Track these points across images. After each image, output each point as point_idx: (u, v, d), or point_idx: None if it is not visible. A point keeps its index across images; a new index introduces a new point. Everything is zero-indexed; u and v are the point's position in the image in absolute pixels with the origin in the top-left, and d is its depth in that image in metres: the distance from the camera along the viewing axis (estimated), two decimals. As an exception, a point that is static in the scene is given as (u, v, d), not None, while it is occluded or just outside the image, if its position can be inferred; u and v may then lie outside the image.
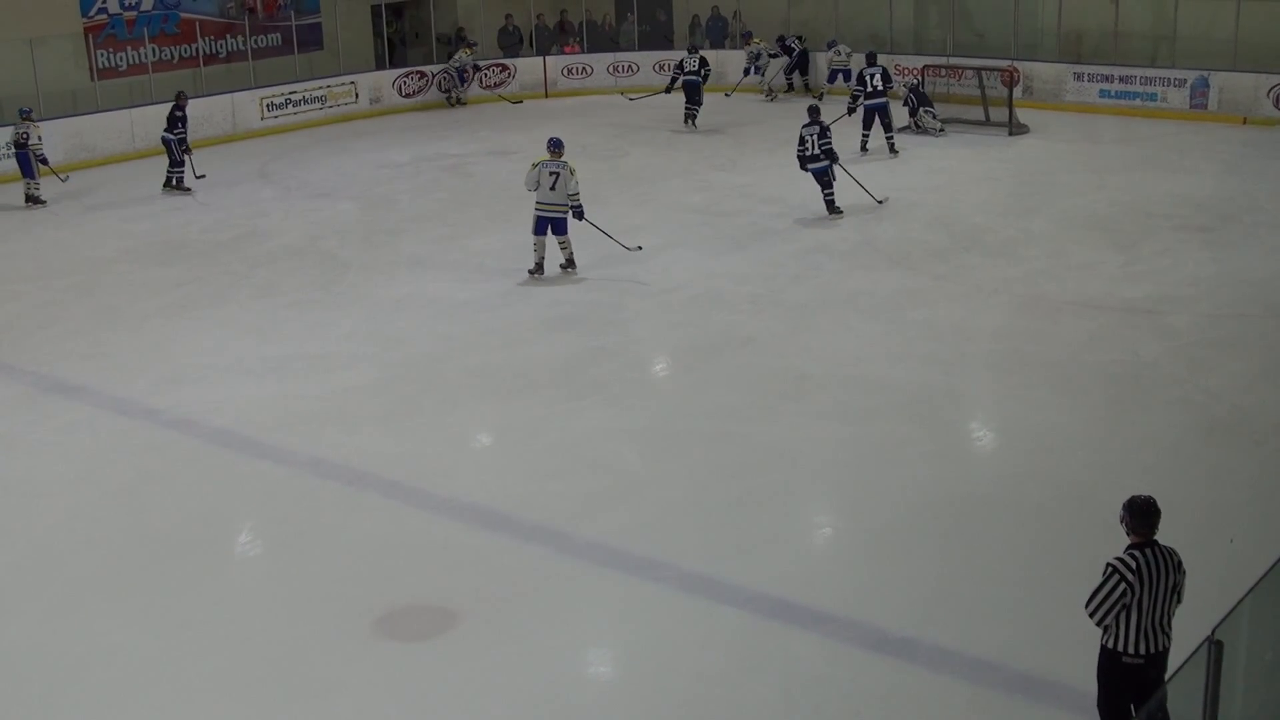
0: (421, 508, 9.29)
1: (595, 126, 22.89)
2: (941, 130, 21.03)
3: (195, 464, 10.09)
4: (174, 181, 18.81)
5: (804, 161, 16.41)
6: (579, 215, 13.93)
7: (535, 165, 13.86)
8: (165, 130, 18.78)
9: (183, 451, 10.32)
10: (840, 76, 24.05)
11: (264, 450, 10.24)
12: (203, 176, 19.04)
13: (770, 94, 25.20)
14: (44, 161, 18.30)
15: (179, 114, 18.70)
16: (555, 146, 13.96)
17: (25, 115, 18.31)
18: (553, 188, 13.74)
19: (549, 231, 13.99)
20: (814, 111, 16.68)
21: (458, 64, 25.60)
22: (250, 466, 10.02)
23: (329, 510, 9.31)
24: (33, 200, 18.17)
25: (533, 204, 13.96)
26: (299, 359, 12.17)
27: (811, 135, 16.27)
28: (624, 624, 7.86)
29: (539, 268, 14.09)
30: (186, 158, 18.80)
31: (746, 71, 25.32)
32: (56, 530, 9.12)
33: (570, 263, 14.19)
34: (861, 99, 19.65)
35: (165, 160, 18.89)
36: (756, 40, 25.42)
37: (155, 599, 8.18)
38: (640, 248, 14.70)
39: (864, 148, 19.64)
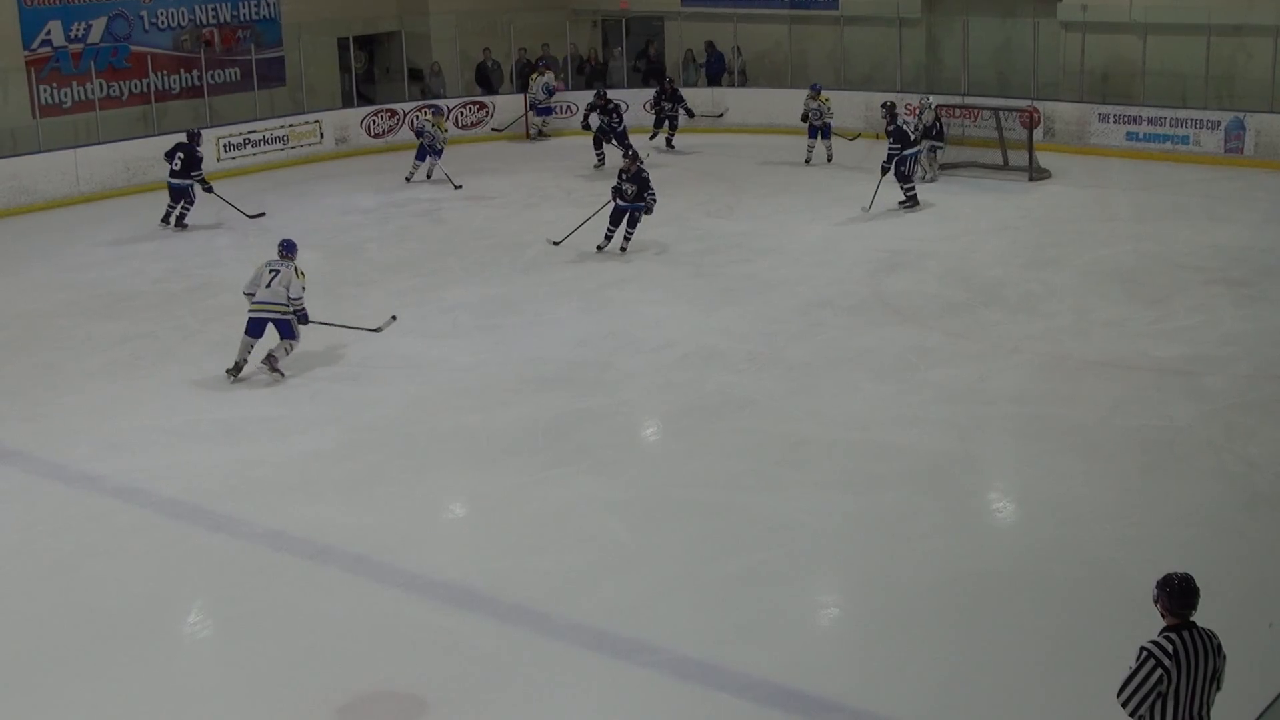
0: (389, 585, 9.26)
1: (579, 170, 23.03)
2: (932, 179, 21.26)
3: (141, 536, 10.05)
4: (183, 220, 19.38)
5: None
6: (303, 319, 13.21)
7: (259, 266, 13.32)
8: (194, 170, 19.12)
9: (127, 523, 10.28)
10: (820, 133, 23.18)
11: (217, 521, 10.21)
12: (261, 214, 19.80)
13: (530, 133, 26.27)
14: None
15: (199, 154, 19.33)
16: (286, 250, 13.32)
17: None
18: (269, 285, 13.02)
19: (263, 334, 13.18)
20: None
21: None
22: (202, 539, 9.99)
23: (288, 588, 9.27)
24: None
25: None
26: (256, 422, 12.17)
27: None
28: (611, 713, 7.82)
29: (237, 368, 13.13)
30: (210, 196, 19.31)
31: (531, 106, 26.23)
32: (-13, 609, 9.08)
33: (273, 363, 13.12)
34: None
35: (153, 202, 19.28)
36: (543, 72, 26.21)
37: (96, 685, 8.12)
38: (389, 321, 13.95)
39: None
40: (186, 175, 19.05)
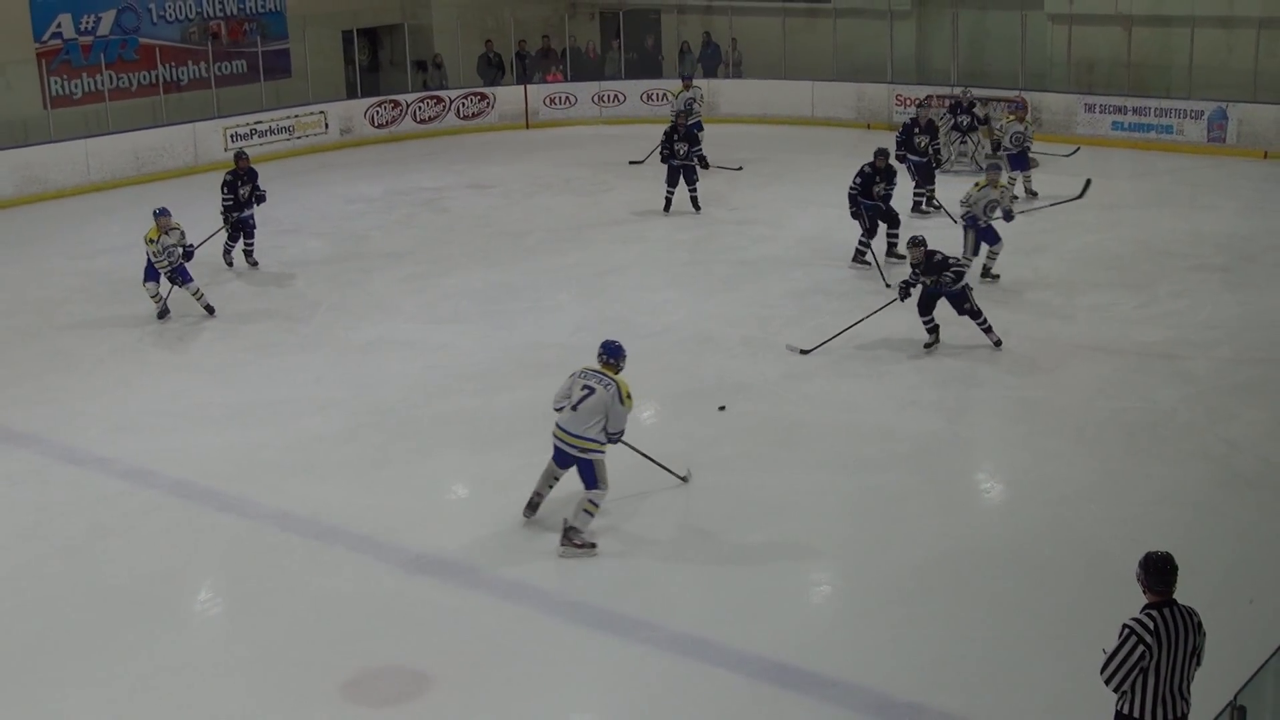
0: (393, 563, 9.27)
1: (579, 159, 23.02)
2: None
3: (151, 517, 10.07)
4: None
5: None
6: (612, 439, 9.40)
7: (573, 375, 9.52)
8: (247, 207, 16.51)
9: (138, 503, 10.29)
10: (1017, 163, 18.86)
11: (225, 502, 10.22)
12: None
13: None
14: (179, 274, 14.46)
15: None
16: (609, 355, 9.56)
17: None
18: (575, 407, 9.27)
19: (566, 467, 9.50)
20: None
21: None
22: (210, 519, 10.00)
23: (294, 566, 9.30)
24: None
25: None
26: (263, 405, 12.17)
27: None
28: (609, 689, 7.85)
29: (532, 507, 9.69)
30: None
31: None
32: (2, 588, 9.08)
33: (571, 539, 9.22)
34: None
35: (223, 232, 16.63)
36: (687, 87, 22.58)
37: (108, 662, 8.14)
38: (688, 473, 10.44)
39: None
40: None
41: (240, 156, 16.72)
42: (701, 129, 21.71)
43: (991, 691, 7.59)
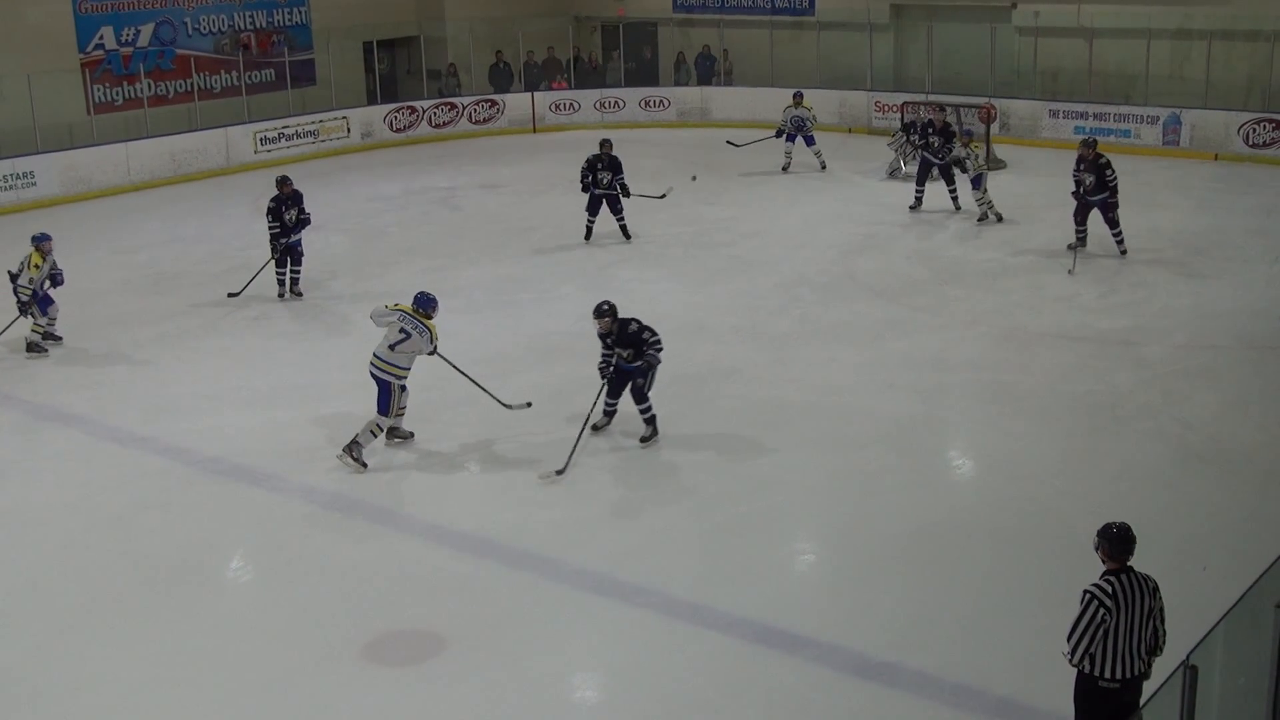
0: (411, 534, 9.28)
1: (582, 161, 22.85)
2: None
3: (188, 491, 10.07)
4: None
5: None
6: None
7: (392, 308, 10.57)
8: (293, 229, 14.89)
9: (175, 479, 10.29)
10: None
11: (256, 478, 10.22)
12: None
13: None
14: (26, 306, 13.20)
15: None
16: (421, 305, 10.55)
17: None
18: (393, 346, 10.38)
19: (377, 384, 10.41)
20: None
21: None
22: (242, 494, 10.00)
23: (320, 537, 9.30)
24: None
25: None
26: (290, 389, 12.16)
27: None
28: (610, 648, 7.86)
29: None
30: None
31: (779, 133, 21.38)
32: (50, 557, 9.09)
33: (351, 451, 10.21)
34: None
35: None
36: (797, 104, 21.38)
37: (147, 625, 8.16)
38: (524, 404, 10.96)
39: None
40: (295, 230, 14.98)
41: (284, 181, 14.91)
42: (814, 143, 21.30)
43: (962, 652, 7.60)
